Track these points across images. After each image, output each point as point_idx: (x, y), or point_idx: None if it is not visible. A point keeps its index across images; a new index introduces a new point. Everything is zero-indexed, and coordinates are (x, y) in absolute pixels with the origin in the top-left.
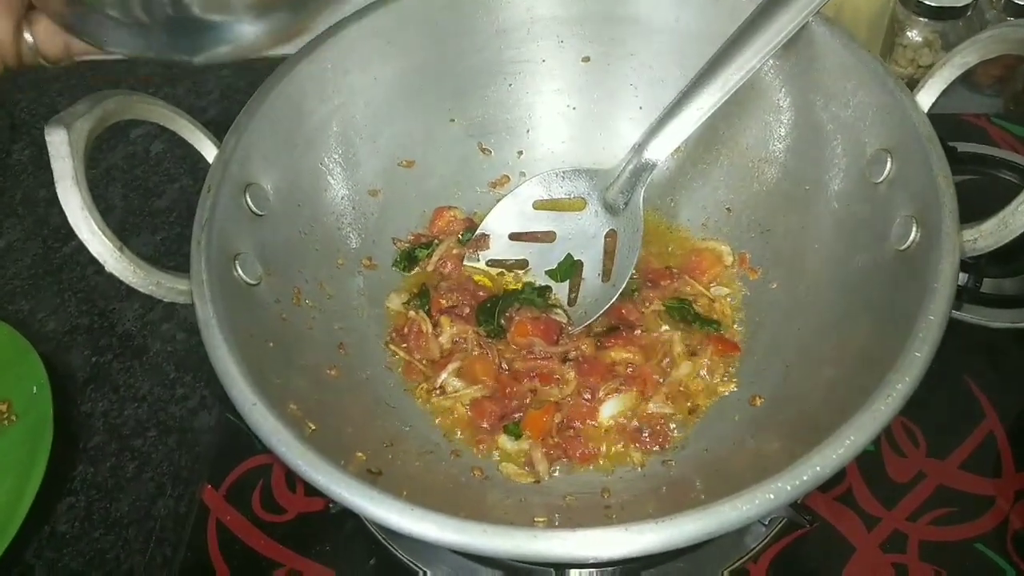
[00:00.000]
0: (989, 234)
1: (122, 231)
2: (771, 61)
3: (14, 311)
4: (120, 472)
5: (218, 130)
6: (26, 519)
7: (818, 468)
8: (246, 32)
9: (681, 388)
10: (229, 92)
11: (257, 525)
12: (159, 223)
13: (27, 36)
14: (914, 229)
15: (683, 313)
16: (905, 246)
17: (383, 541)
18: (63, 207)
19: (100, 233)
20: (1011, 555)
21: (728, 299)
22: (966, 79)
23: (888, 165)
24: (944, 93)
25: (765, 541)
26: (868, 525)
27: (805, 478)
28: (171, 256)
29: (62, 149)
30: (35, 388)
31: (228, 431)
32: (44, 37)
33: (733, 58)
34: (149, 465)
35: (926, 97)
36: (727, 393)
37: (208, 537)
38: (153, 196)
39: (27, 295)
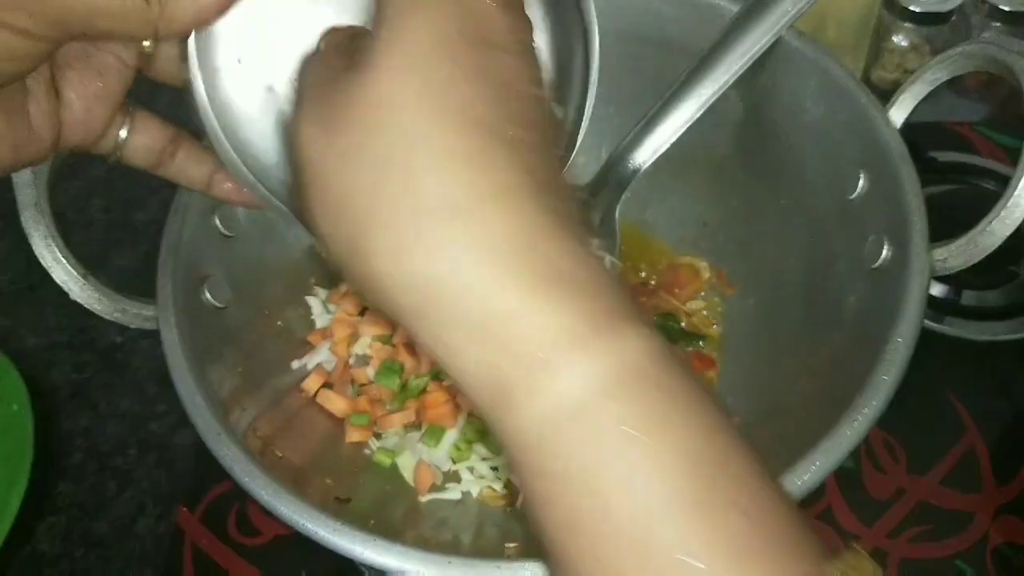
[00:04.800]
0: (959, 253)
1: (104, 245)
2: (745, 74)
3: None
4: (101, 491)
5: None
6: (7, 539)
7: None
8: None
9: None
10: None
11: (233, 548)
12: (141, 237)
13: (122, 132)
14: (886, 247)
15: (668, 331)
16: (877, 264)
17: (359, 565)
18: (27, 236)
19: (64, 261)
20: (990, 572)
21: (705, 314)
22: (953, 85)
23: (861, 181)
24: (931, 99)
25: None
26: (847, 543)
27: None
28: (155, 272)
29: (24, 176)
30: (15, 406)
31: (203, 452)
32: (139, 143)
33: (708, 72)
34: (130, 484)
35: (898, 112)
36: None
37: (184, 561)
38: (135, 209)
39: (7, 311)
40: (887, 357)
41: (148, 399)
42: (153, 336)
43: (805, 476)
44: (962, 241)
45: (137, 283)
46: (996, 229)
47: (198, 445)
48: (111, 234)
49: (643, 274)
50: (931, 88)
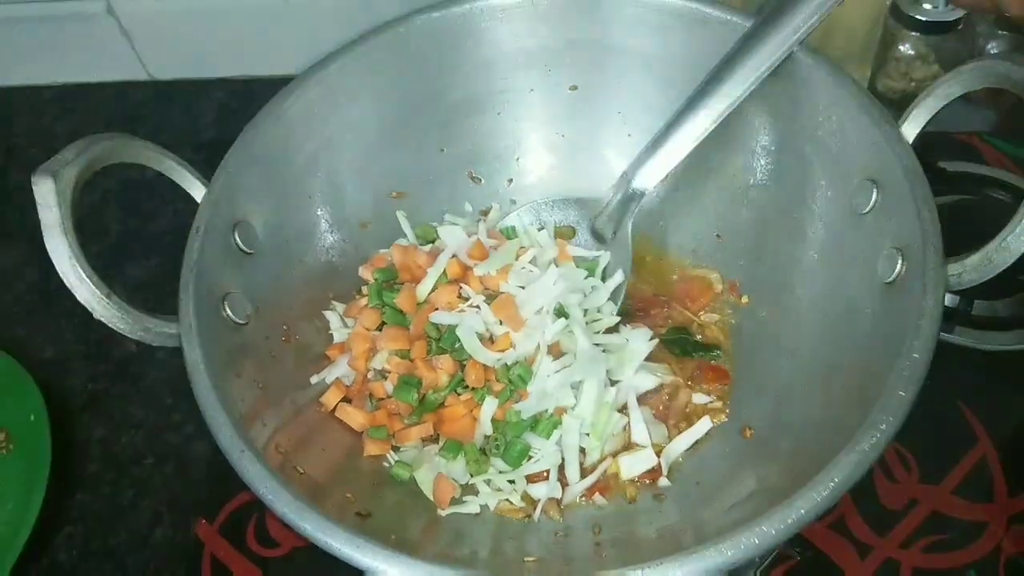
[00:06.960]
0: (973, 269)
1: (118, 256)
2: (757, 89)
3: (11, 338)
4: (118, 500)
5: (213, 151)
6: (25, 549)
7: (802, 511)
8: None
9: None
10: (224, 113)
11: (251, 559)
12: (155, 247)
13: None
14: (899, 262)
15: (682, 344)
16: (891, 278)
17: None
18: (51, 256)
19: (88, 281)
20: None
21: (717, 326)
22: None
23: (873, 196)
24: None
25: (757, 572)
26: (861, 553)
27: (789, 522)
28: (167, 281)
29: (49, 198)
30: (32, 416)
31: (222, 464)
32: None
33: (720, 87)
34: (146, 493)
35: (911, 128)
36: (718, 423)
37: (202, 572)
38: (149, 220)
39: (24, 322)
40: (904, 374)
41: (164, 409)
42: (167, 347)
43: (824, 492)
44: (976, 257)
45: (151, 293)
46: (1011, 244)
47: (215, 455)
48: (125, 244)
49: (656, 286)
50: (944, 103)
